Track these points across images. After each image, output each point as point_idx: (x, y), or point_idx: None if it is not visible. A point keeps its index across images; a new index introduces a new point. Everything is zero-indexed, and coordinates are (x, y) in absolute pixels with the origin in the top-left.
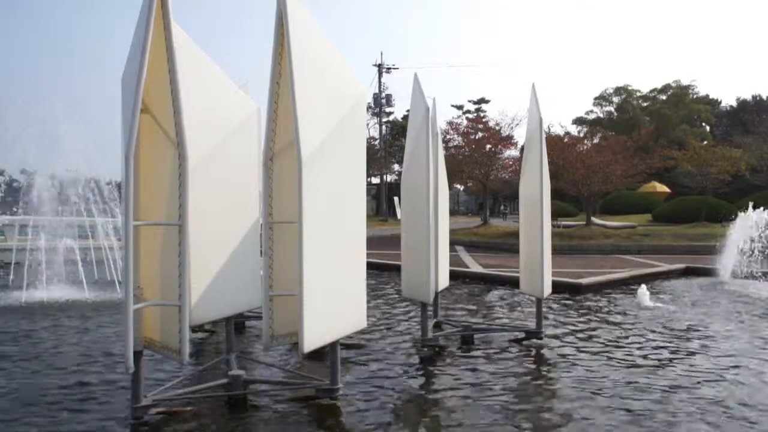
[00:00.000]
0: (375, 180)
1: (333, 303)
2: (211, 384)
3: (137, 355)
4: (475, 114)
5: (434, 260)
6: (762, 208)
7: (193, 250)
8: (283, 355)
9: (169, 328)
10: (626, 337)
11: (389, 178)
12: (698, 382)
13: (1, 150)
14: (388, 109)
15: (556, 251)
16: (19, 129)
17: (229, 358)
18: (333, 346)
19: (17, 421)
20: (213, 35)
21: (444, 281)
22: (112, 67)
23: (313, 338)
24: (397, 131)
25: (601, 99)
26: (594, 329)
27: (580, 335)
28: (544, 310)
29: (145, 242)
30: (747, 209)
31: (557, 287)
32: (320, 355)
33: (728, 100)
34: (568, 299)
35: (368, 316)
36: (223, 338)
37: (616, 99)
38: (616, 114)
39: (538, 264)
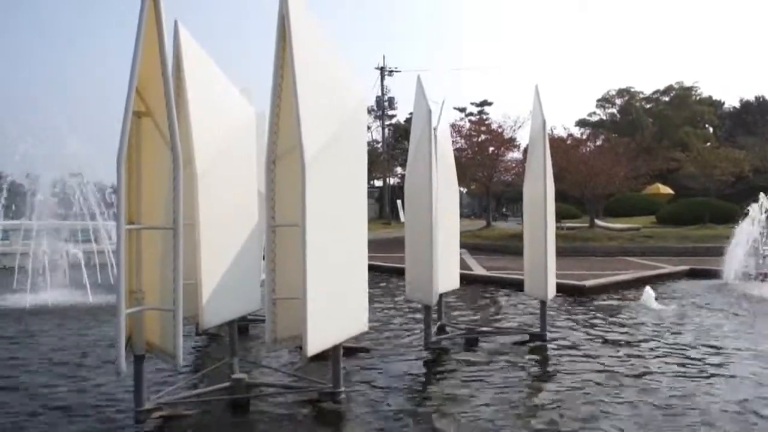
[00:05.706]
0: (378, 183)
1: (336, 306)
2: (214, 387)
3: (139, 358)
4: (478, 116)
5: (437, 263)
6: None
7: (203, 256)
8: (288, 358)
9: (167, 333)
10: (631, 340)
11: (392, 181)
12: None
13: (4, 154)
14: (390, 112)
15: (559, 253)
16: (22, 132)
17: (232, 361)
18: (335, 349)
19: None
20: (218, 36)
21: (451, 283)
22: (121, 70)
23: (317, 341)
24: (399, 134)
25: (604, 101)
26: (598, 331)
27: (584, 338)
28: (548, 312)
29: (148, 246)
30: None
31: (561, 289)
32: (323, 358)
33: (731, 102)
34: (571, 301)
35: (372, 319)
36: (227, 341)
37: (618, 101)
38: (618, 116)
39: (543, 266)
